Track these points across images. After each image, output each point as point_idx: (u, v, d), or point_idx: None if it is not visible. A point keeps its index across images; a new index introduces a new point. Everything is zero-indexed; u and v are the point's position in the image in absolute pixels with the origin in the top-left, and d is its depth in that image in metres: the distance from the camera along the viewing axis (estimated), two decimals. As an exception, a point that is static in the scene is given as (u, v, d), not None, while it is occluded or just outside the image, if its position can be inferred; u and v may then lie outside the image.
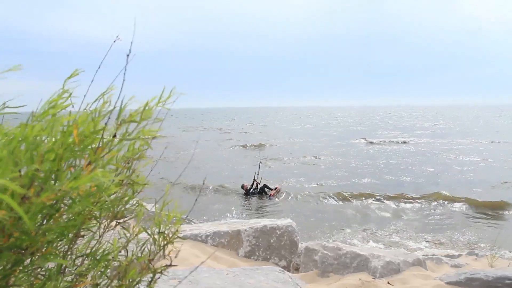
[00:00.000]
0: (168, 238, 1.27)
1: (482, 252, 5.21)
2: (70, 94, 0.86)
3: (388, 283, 2.86)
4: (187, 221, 6.54)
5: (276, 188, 14.27)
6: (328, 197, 13.67)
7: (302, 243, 4.12)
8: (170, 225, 1.27)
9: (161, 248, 1.26)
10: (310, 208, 12.55)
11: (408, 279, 3.02)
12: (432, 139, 31.26)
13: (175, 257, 1.20)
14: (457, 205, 12.10)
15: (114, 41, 1.02)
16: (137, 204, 1.34)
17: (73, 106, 0.98)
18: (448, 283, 3.05)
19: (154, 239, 1.26)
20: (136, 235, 1.31)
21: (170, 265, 1.13)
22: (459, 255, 5.23)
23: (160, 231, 1.27)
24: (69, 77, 0.83)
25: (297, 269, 3.86)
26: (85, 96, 1.01)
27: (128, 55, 1.05)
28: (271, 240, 3.88)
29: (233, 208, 12.03)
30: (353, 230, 10.00)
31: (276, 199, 13.58)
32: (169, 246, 1.34)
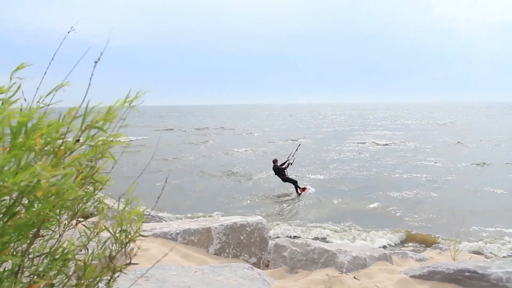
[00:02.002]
0: (130, 236, 1.25)
1: (446, 246, 5.41)
2: (19, 87, 0.84)
3: (354, 277, 2.92)
4: (158, 219, 6.48)
5: (304, 188, 14.05)
6: (301, 196, 13.80)
7: (272, 240, 4.15)
8: (132, 223, 1.26)
9: (123, 246, 1.24)
10: (282, 206, 12.65)
11: (374, 273, 3.09)
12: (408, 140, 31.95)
13: (135, 254, 1.18)
14: (423, 204, 12.47)
15: (68, 32, 1.00)
16: (98, 202, 1.31)
17: (25, 99, 0.96)
18: (412, 276, 3.14)
19: (115, 237, 1.24)
20: (98, 233, 1.28)
21: (130, 263, 1.11)
22: (424, 249, 5.41)
23: (122, 229, 1.25)
24: (16, 70, 0.81)
25: (267, 266, 3.88)
26: (37, 89, 0.99)
27: (96, 62, 1.04)
28: (241, 237, 3.89)
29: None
30: (324, 228, 10.16)
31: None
32: (132, 243, 1.32)
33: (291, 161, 14.15)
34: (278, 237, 8.55)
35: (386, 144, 28.06)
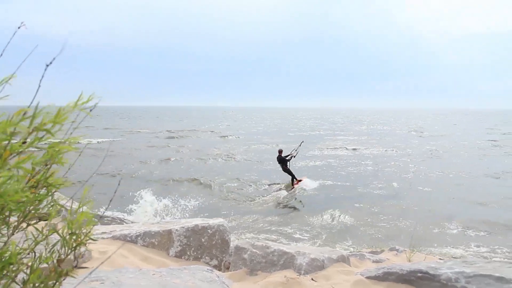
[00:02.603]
0: (80, 238, 1.24)
1: (402, 247, 5.61)
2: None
3: (312, 279, 2.99)
4: (119, 221, 6.36)
5: (300, 180, 15.31)
6: (263, 198, 13.89)
7: (234, 242, 4.16)
8: (83, 225, 1.24)
9: (73, 249, 1.23)
10: (244, 208, 12.69)
11: (331, 275, 3.17)
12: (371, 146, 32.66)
13: (81, 256, 1.17)
14: (383, 208, 12.82)
15: (19, 27, 0.99)
16: (52, 204, 1.29)
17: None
18: (368, 277, 3.23)
19: (64, 240, 1.22)
20: (47, 236, 1.26)
21: (77, 267, 1.10)
22: (382, 251, 5.59)
23: (72, 231, 1.23)
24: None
25: (228, 268, 3.89)
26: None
27: (47, 65, 1.03)
28: (203, 240, 3.88)
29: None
30: (287, 230, 10.27)
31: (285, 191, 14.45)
32: (88, 246, 1.30)
33: (294, 155, 15.47)
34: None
35: (360, 149, 28.51)
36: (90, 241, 1.27)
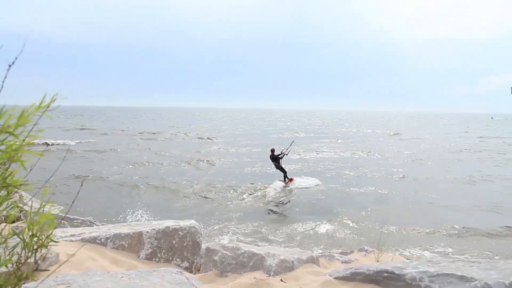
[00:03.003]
0: (41, 241, 1.23)
1: (371, 248, 5.74)
2: None
3: (281, 280, 3.02)
4: (88, 223, 6.25)
5: (291, 179, 16.27)
6: (241, 201, 13.90)
7: (205, 244, 4.16)
8: (44, 227, 1.23)
9: (33, 251, 1.22)
10: (220, 210, 12.66)
11: (300, 276, 3.21)
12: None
13: (43, 259, 1.16)
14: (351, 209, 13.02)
15: None
16: (12, 206, 1.27)
17: None
18: (336, 278, 3.30)
19: (24, 242, 1.21)
20: (6, 238, 1.24)
21: (37, 270, 1.10)
22: (351, 252, 5.70)
23: (33, 233, 1.22)
24: None
25: (199, 270, 3.89)
26: None
27: (10, 66, 1.02)
28: (174, 241, 3.86)
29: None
30: (262, 232, 10.31)
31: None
32: (54, 249, 1.29)
33: (286, 153, 16.57)
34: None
35: (340, 152, 28.74)
36: (51, 243, 1.26)
